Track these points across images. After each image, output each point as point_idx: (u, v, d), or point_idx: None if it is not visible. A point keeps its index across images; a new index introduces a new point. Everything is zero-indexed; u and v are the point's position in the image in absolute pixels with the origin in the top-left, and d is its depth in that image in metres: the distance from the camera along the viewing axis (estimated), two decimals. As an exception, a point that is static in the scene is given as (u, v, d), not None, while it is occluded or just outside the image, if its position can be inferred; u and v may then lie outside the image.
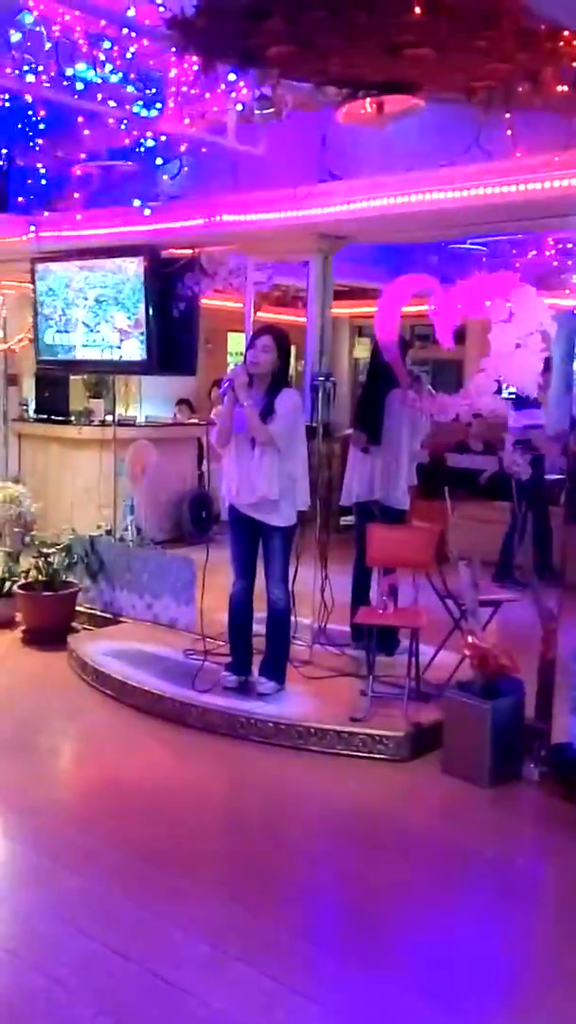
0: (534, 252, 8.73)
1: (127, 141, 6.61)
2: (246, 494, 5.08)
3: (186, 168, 6.55)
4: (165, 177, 6.67)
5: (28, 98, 6.01)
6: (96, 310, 7.18)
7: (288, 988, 2.97)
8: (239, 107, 6.11)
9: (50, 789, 4.57)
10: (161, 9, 4.67)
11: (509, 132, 4.55)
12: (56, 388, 9.26)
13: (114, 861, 3.76)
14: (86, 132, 6.53)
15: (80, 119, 6.36)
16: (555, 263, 8.85)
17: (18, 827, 4.13)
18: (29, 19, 5.39)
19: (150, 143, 6.41)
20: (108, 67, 5.63)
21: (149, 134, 6.28)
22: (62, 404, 9.28)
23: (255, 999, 2.92)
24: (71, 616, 6.79)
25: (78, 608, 6.87)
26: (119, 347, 7.07)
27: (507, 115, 4.41)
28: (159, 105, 5.98)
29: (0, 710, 5.43)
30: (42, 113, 6.35)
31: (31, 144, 6.91)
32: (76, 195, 7.27)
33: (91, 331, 7.24)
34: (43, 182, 7.35)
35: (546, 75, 3.66)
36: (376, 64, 3.65)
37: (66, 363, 7.75)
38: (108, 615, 6.86)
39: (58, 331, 7.48)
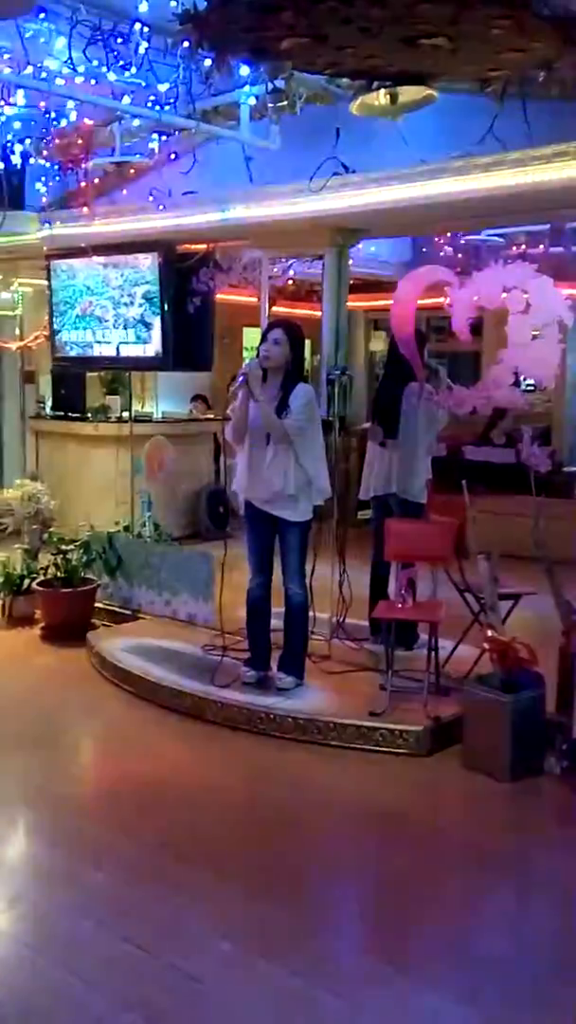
0: (541, 245, 8.69)
1: (140, 137, 6.61)
2: (261, 490, 5.07)
3: (199, 163, 6.54)
4: (178, 172, 6.66)
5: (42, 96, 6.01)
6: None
7: (310, 983, 2.97)
8: (252, 101, 6.10)
9: (70, 785, 4.59)
10: (173, 4, 4.66)
11: (525, 122, 4.52)
12: (72, 385, 9.29)
13: (135, 857, 3.77)
14: (101, 128, 6.55)
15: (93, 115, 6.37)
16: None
17: (38, 824, 4.15)
18: (42, 15, 5.40)
19: (163, 139, 6.41)
20: (121, 63, 5.62)
21: (162, 129, 6.29)
22: (79, 401, 9.30)
23: (277, 994, 2.93)
24: (90, 613, 6.82)
25: (96, 604, 6.89)
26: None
27: (522, 105, 4.37)
28: (172, 100, 5.97)
29: (20, 706, 5.46)
30: (56, 110, 6.36)
31: (45, 142, 6.92)
32: (90, 192, 7.28)
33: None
34: (57, 179, 7.36)
35: (562, 64, 3.62)
36: (390, 55, 3.62)
37: (84, 360, 7.77)
38: (126, 611, 6.87)
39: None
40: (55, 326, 7.88)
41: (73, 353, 7.82)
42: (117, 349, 7.42)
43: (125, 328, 7.32)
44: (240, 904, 3.45)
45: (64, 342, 7.84)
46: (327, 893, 3.66)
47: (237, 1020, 2.83)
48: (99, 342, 7.52)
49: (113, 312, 7.33)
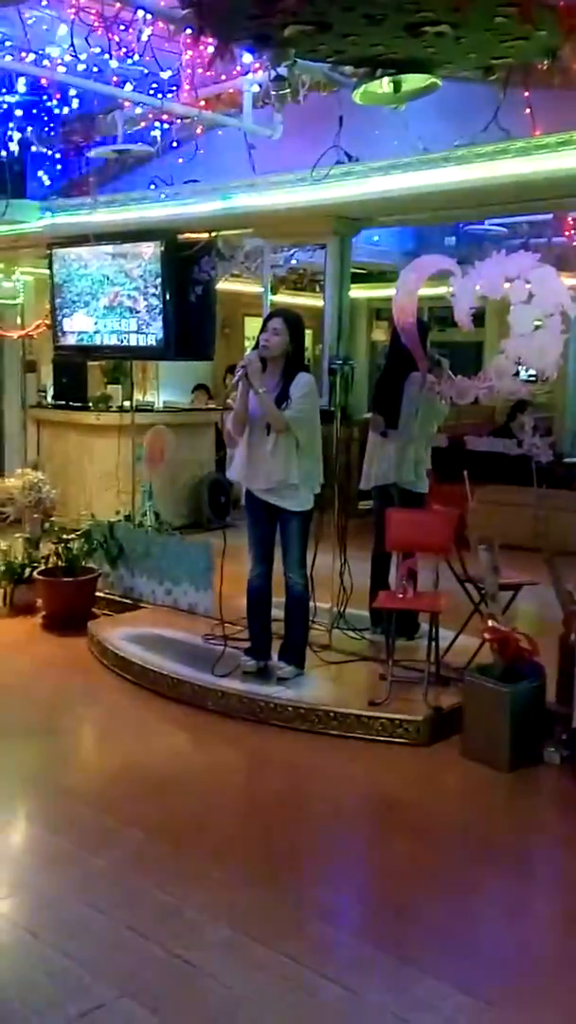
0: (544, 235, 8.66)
1: (142, 124, 6.59)
2: (262, 479, 5.07)
3: (202, 151, 6.52)
4: (180, 160, 6.64)
5: (43, 83, 6.00)
6: None
7: (309, 970, 2.98)
8: (255, 89, 6.08)
9: (71, 773, 4.60)
10: (176, -10, 4.64)
11: (528, 110, 4.50)
12: (74, 374, 9.27)
13: (136, 844, 3.78)
14: (101, 116, 6.53)
15: (95, 103, 6.36)
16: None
17: (40, 811, 4.16)
18: (44, 2, 5.38)
19: (166, 127, 6.39)
20: (123, 50, 5.60)
21: (165, 117, 6.26)
22: (80, 390, 9.29)
23: (276, 981, 2.94)
24: (91, 601, 6.82)
25: (98, 594, 6.90)
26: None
27: (526, 93, 4.36)
28: (174, 88, 5.95)
29: (21, 695, 5.47)
30: (57, 97, 6.35)
31: (47, 129, 6.90)
32: (92, 180, 7.25)
33: None
34: (58, 167, 7.34)
35: (566, 52, 3.61)
36: (394, 43, 3.61)
37: (85, 348, 7.71)
38: (127, 600, 6.88)
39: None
40: (68, 315, 7.74)
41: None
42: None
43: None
44: (239, 891, 3.46)
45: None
46: (326, 880, 3.67)
47: (236, 1006, 2.84)
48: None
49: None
